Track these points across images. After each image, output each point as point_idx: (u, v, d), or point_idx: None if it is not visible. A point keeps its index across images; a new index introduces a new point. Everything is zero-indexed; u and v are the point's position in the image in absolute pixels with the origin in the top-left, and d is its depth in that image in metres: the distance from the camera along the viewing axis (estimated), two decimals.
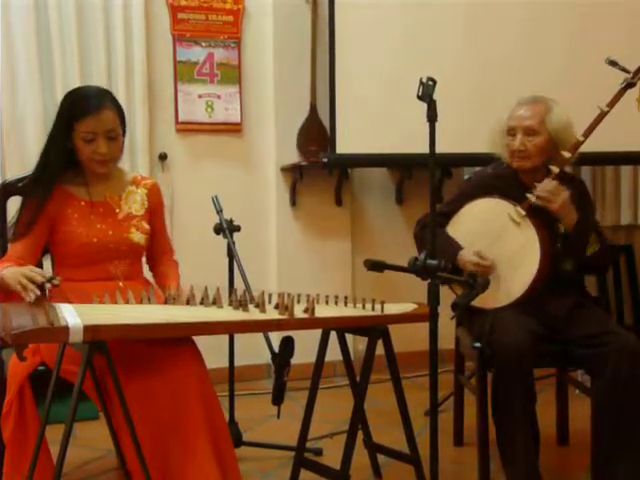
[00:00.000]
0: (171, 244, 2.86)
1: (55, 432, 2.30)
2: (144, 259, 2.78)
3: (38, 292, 2.21)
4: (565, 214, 2.81)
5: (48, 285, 2.24)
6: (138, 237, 2.64)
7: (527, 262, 2.77)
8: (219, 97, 4.24)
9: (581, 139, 2.83)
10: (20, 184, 2.78)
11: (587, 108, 2.86)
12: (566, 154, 2.83)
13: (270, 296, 2.46)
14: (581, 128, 2.85)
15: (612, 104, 2.87)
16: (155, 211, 2.75)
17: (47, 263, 2.71)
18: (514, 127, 2.88)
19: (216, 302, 2.35)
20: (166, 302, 2.36)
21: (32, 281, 2.23)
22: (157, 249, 2.78)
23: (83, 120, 2.50)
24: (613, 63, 2.95)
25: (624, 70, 2.93)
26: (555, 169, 2.83)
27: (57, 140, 2.56)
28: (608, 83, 2.91)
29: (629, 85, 2.91)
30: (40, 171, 2.59)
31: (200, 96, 4.20)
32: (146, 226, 2.68)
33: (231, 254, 2.99)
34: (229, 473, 2.31)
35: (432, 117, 2.16)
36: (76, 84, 3.79)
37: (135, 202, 2.68)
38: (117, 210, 2.63)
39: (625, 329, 2.78)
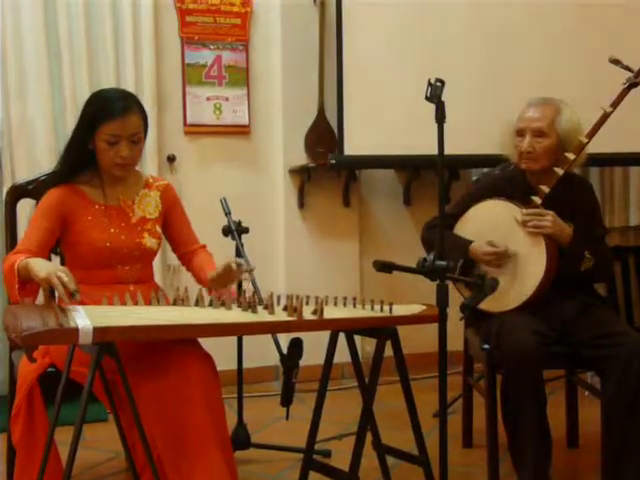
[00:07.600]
0: (197, 237, 2.81)
1: (64, 434, 2.31)
2: (175, 259, 2.79)
3: (68, 301, 2.11)
4: (560, 232, 2.77)
5: (77, 297, 2.14)
6: (151, 242, 2.63)
7: (534, 264, 2.76)
8: (227, 99, 4.25)
9: (585, 140, 2.80)
10: (30, 187, 2.79)
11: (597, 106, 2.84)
12: (570, 155, 2.80)
13: (279, 298, 2.46)
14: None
15: (615, 104, 2.83)
16: (171, 210, 2.73)
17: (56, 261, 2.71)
18: (523, 128, 2.86)
19: (225, 304, 2.36)
20: (175, 303, 2.36)
21: (64, 286, 2.13)
22: (186, 243, 2.76)
23: (109, 122, 2.47)
24: (616, 62, 2.91)
25: (627, 69, 2.89)
26: (559, 171, 2.80)
27: (78, 140, 2.54)
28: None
29: (632, 85, 2.85)
30: (61, 168, 2.59)
31: (208, 98, 4.21)
32: (159, 230, 2.67)
33: (239, 256, 2.98)
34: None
35: (440, 118, 2.16)
36: (85, 88, 3.81)
37: (149, 205, 2.67)
38: (130, 214, 2.62)
39: (634, 330, 2.77)
